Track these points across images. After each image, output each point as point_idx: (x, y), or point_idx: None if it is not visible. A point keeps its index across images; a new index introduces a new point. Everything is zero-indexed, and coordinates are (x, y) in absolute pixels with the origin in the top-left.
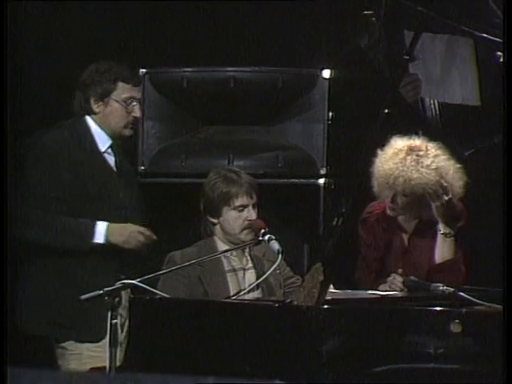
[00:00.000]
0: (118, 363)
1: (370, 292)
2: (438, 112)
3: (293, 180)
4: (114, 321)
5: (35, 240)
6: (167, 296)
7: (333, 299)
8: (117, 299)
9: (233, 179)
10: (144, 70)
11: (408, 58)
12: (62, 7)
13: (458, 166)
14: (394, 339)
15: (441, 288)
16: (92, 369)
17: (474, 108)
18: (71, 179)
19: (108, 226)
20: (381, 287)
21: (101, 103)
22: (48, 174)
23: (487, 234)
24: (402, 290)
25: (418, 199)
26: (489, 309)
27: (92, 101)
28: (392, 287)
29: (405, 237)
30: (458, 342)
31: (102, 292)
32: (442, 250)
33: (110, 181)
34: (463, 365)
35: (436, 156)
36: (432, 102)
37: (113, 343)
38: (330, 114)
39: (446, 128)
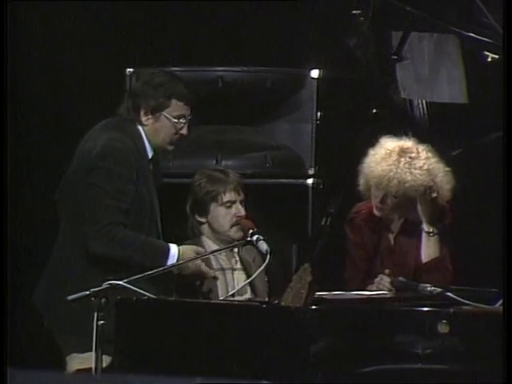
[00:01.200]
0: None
1: (358, 293)
2: (425, 112)
3: (281, 180)
4: (101, 322)
5: (107, 255)
6: (154, 297)
7: (321, 300)
8: (103, 300)
9: (219, 178)
10: (131, 70)
11: (396, 57)
12: (62, 7)
13: (447, 169)
14: (382, 340)
15: (429, 288)
16: (79, 370)
17: (461, 108)
18: (134, 189)
19: (179, 251)
20: (368, 288)
21: (151, 116)
22: (119, 183)
23: (475, 234)
24: (389, 291)
25: (408, 200)
26: (476, 309)
27: (142, 112)
28: (380, 288)
29: (391, 237)
30: (446, 342)
31: (88, 292)
32: (428, 249)
33: (153, 191)
34: (451, 365)
35: (427, 158)
36: (420, 101)
37: (99, 344)
38: (319, 113)
39: (433, 128)
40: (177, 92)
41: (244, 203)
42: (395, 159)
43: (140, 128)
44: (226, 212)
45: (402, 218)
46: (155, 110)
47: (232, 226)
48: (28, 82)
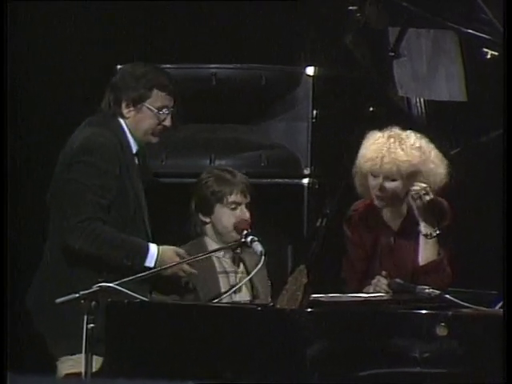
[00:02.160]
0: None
1: (355, 295)
2: (423, 110)
3: (276, 180)
4: (91, 325)
5: (84, 251)
6: (146, 299)
7: (316, 302)
8: (93, 303)
9: (226, 179)
10: (121, 67)
11: (393, 54)
12: (62, 7)
13: (438, 149)
14: (379, 342)
15: (427, 290)
16: (69, 374)
17: (460, 106)
18: (117, 184)
19: (159, 251)
20: (365, 289)
21: (132, 108)
22: (101, 178)
23: (474, 235)
24: (387, 293)
25: (406, 183)
26: (475, 312)
27: (123, 105)
28: (377, 289)
29: (389, 236)
30: (445, 345)
31: (78, 295)
32: (425, 251)
33: (139, 186)
34: (450, 368)
35: (417, 138)
36: (418, 99)
37: (89, 348)
38: (315, 112)
39: (431, 126)
40: (158, 82)
41: (250, 206)
42: (385, 141)
43: (122, 121)
44: (230, 213)
45: (403, 214)
46: (136, 102)
47: (235, 227)
48: (28, 82)
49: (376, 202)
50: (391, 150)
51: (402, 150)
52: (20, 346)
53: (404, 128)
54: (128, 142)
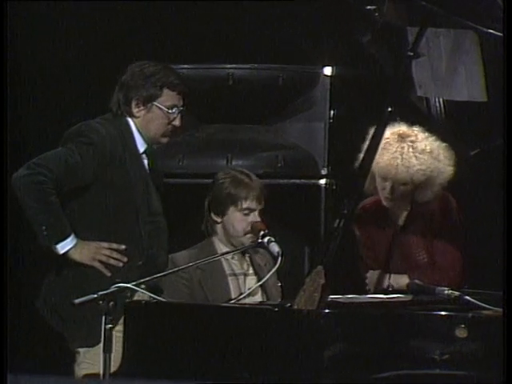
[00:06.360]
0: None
1: (373, 296)
2: (443, 110)
3: (293, 180)
4: (109, 326)
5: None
6: (163, 300)
7: (334, 303)
8: (111, 303)
9: (243, 182)
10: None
11: (412, 54)
12: (63, 7)
13: (444, 144)
14: (398, 344)
15: (446, 292)
16: (86, 375)
17: (480, 106)
18: (118, 180)
19: (75, 244)
20: (381, 288)
21: (142, 108)
22: (99, 173)
23: (495, 236)
24: (405, 293)
25: (415, 186)
26: (495, 313)
27: (133, 104)
28: (394, 289)
29: (397, 230)
30: (464, 347)
31: (96, 296)
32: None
33: (145, 185)
34: (469, 371)
35: (426, 139)
36: (437, 99)
37: (107, 349)
38: (332, 112)
39: (451, 127)
40: (168, 81)
41: (263, 213)
42: (397, 146)
43: (130, 120)
44: (243, 219)
45: (410, 205)
46: (146, 101)
47: (246, 233)
48: (28, 82)
49: (385, 203)
50: (404, 157)
51: (416, 157)
52: (20, 347)
53: (411, 124)
54: (134, 141)
